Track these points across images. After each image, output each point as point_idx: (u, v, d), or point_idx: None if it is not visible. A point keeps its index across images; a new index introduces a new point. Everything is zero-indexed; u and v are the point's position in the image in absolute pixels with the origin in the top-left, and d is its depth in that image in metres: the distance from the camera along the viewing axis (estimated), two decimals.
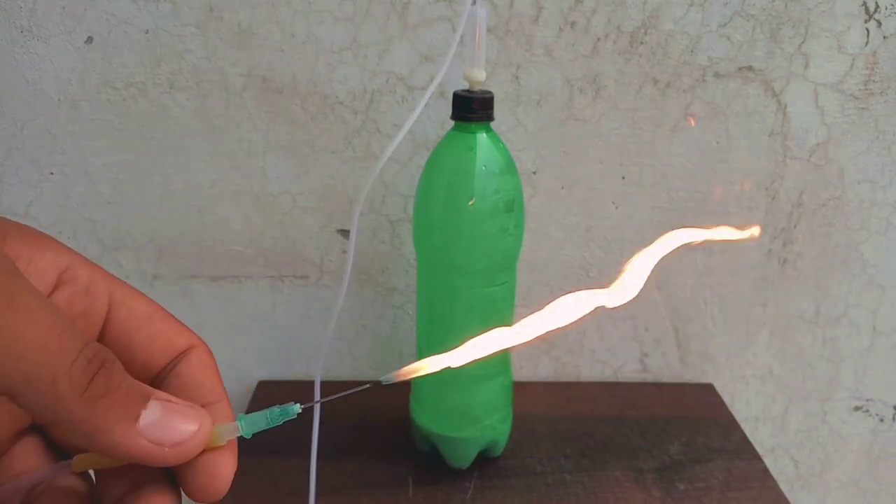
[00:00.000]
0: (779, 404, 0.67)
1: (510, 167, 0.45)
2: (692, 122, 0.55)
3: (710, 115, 0.57)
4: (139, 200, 0.57)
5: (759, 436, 0.68)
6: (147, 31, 0.52)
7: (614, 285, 0.26)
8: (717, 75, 0.55)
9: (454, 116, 0.45)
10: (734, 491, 0.51)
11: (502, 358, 0.50)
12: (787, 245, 0.61)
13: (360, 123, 0.56)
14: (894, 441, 0.69)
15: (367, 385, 0.25)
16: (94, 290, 0.23)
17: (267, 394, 0.61)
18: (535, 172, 0.57)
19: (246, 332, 0.62)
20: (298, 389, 0.61)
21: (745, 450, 0.56)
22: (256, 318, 0.61)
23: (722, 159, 0.58)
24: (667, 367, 0.65)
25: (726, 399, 0.63)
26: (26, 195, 0.56)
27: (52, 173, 0.56)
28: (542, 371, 0.64)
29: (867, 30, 0.55)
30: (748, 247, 0.61)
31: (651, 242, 0.62)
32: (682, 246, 0.27)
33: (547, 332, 0.25)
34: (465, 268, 0.45)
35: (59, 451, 0.24)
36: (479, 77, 0.44)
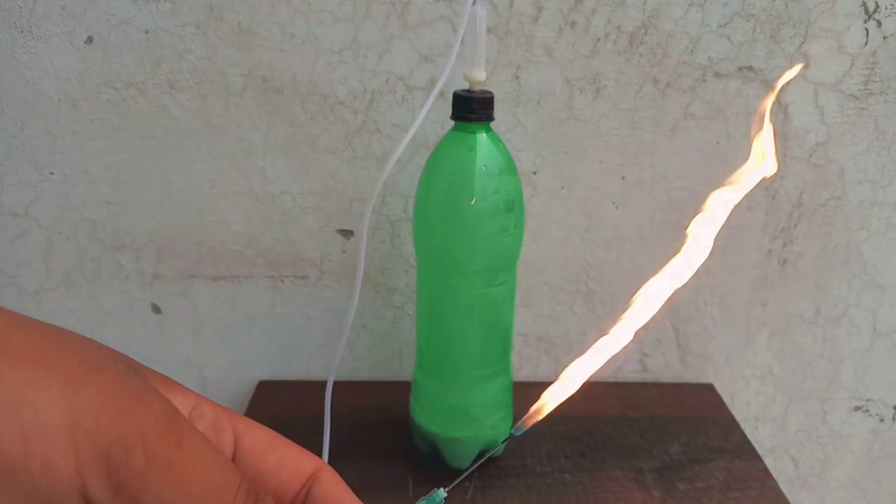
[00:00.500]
0: (779, 404, 0.67)
1: (510, 167, 0.45)
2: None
3: (710, 115, 0.57)
4: (139, 200, 0.57)
5: (759, 436, 0.68)
6: (147, 31, 0.52)
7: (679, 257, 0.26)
8: (717, 75, 0.55)
9: (454, 116, 0.45)
10: (734, 491, 0.51)
11: (502, 358, 0.50)
12: (787, 245, 0.61)
13: (360, 123, 0.56)
14: (894, 441, 0.69)
15: (505, 440, 0.25)
16: (220, 424, 0.24)
17: (267, 394, 0.60)
18: (535, 172, 0.57)
19: (246, 332, 0.62)
20: (299, 389, 0.61)
21: (745, 450, 0.56)
22: (256, 318, 0.61)
23: (722, 159, 0.58)
24: (667, 367, 0.65)
25: (726, 399, 0.64)
26: (26, 195, 0.56)
27: (52, 173, 0.56)
28: (542, 371, 0.64)
29: (867, 30, 0.55)
30: (748, 247, 0.61)
31: (650, 242, 0.62)
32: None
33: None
34: (465, 268, 0.45)
35: None
36: (479, 77, 0.44)
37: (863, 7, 0.54)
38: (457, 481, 0.26)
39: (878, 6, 0.54)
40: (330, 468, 0.25)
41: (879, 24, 0.55)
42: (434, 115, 0.55)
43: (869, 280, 0.63)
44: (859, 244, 0.62)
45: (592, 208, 0.59)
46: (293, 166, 0.57)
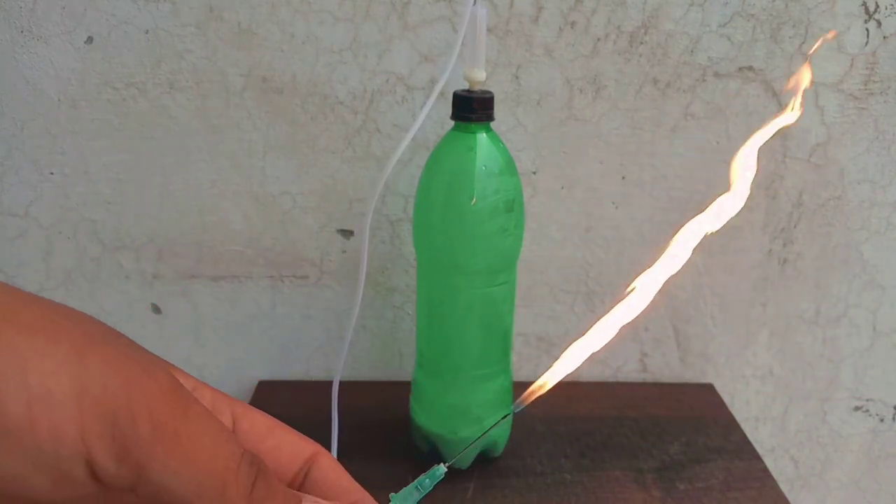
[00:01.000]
0: (779, 404, 0.67)
1: (510, 167, 0.45)
2: None
3: (710, 115, 0.57)
4: (139, 200, 0.57)
5: (759, 436, 0.68)
6: (147, 31, 0.52)
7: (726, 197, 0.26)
8: (717, 75, 0.55)
9: (454, 116, 0.45)
10: (734, 491, 0.51)
11: (502, 358, 0.50)
12: (787, 245, 0.61)
13: (360, 123, 0.56)
14: (894, 441, 0.69)
15: (503, 418, 0.25)
16: (219, 406, 0.24)
17: (267, 394, 0.60)
18: (535, 172, 0.57)
19: (246, 332, 0.62)
20: (299, 389, 0.61)
21: (745, 450, 0.56)
22: (256, 318, 0.61)
23: (722, 159, 0.58)
24: (667, 367, 0.65)
25: (726, 399, 0.63)
26: (26, 195, 0.56)
27: (52, 173, 0.56)
28: (542, 371, 0.64)
29: (867, 30, 0.55)
30: (748, 247, 0.61)
31: (650, 242, 0.62)
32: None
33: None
34: (465, 268, 0.45)
35: None
36: (479, 77, 0.44)
37: (863, 7, 0.54)
38: (459, 454, 0.26)
39: (878, 6, 0.54)
40: (327, 452, 0.25)
41: (879, 24, 0.55)
42: (434, 115, 0.55)
43: (869, 280, 0.63)
44: (859, 244, 0.62)
45: (592, 208, 0.59)
46: (293, 166, 0.57)
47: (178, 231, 0.58)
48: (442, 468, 0.24)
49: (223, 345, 0.62)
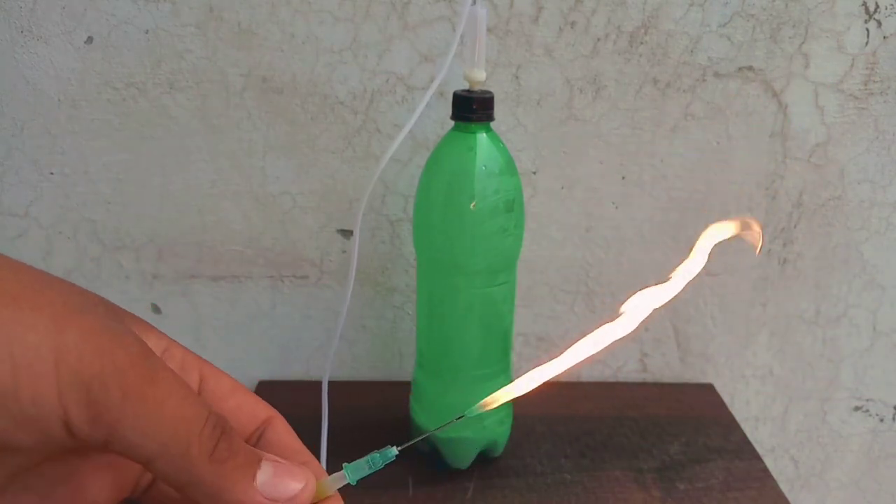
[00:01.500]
0: (779, 404, 0.67)
1: (510, 167, 0.45)
2: None
3: (710, 115, 0.57)
4: (139, 200, 0.57)
5: (759, 436, 0.68)
6: (147, 31, 0.52)
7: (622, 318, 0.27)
8: (717, 75, 0.55)
9: (454, 116, 0.45)
10: (734, 491, 0.51)
11: (502, 358, 0.50)
12: (787, 245, 0.61)
13: (360, 123, 0.56)
14: (894, 441, 0.69)
15: (457, 419, 0.28)
16: (188, 366, 0.26)
17: (267, 394, 0.60)
18: (535, 172, 0.57)
19: (246, 332, 0.62)
20: (299, 389, 0.61)
21: (745, 450, 0.56)
22: (256, 318, 0.61)
23: (722, 159, 0.58)
24: (667, 367, 0.65)
25: (726, 399, 0.63)
26: (26, 195, 0.56)
27: (52, 173, 0.56)
28: None
29: (867, 30, 0.55)
30: (748, 247, 0.61)
31: (650, 242, 0.62)
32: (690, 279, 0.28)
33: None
34: (465, 268, 0.45)
35: None
36: (479, 77, 0.44)
37: (863, 7, 0.54)
38: (415, 440, 0.27)
39: (878, 6, 0.54)
40: (282, 417, 0.27)
41: (879, 24, 0.55)
42: (434, 115, 0.55)
43: (869, 280, 0.63)
44: (859, 244, 0.62)
45: (592, 208, 0.59)
46: (293, 166, 0.57)
47: (178, 231, 0.58)
48: (394, 450, 0.26)
49: (223, 345, 0.62)
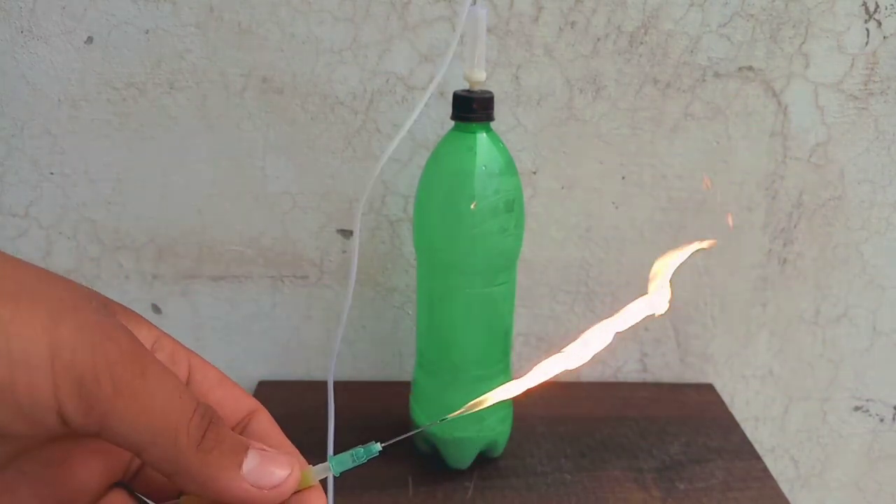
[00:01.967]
0: (779, 404, 0.67)
1: (510, 167, 0.45)
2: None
3: (710, 115, 0.57)
4: (139, 200, 0.57)
5: (759, 436, 0.68)
6: (147, 31, 0.52)
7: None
8: (717, 75, 0.55)
9: (454, 116, 0.45)
10: (734, 491, 0.51)
11: (502, 358, 0.50)
12: (787, 245, 0.61)
13: (360, 123, 0.56)
14: (894, 441, 0.69)
15: (438, 422, 0.27)
16: (178, 357, 0.27)
17: (267, 394, 0.60)
18: (535, 172, 0.57)
19: (246, 332, 0.62)
20: (299, 389, 0.61)
21: (745, 450, 0.56)
22: (256, 318, 0.61)
23: (722, 159, 0.58)
24: (667, 367, 0.65)
25: (726, 399, 0.64)
26: (26, 195, 0.56)
27: (52, 173, 0.56)
28: None
29: (867, 30, 0.55)
30: (748, 247, 0.61)
31: (650, 242, 0.62)
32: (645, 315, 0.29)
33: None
34: (465, 268, 0.45)
35: (142, 501, 0.27)
36: (479, 77, 0.44)
37: (863, 7, 0.54)
38: (398, 438, 0.28)
39: (878, 6, 0.54)
40: (266, 410, 0.28)
41: (879, 24, 0.55)
42: (434, 115, 0.55)
43: (869, 280, 0.63)
44: (859, 244, 0.62)
45: (592, 208, 0.59)
46: (293, 166, 0.57)
47: (178, 231, 0.58)
48: (377, 446, 0.27)
49: (223, 345, 0.62)
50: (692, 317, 0.63)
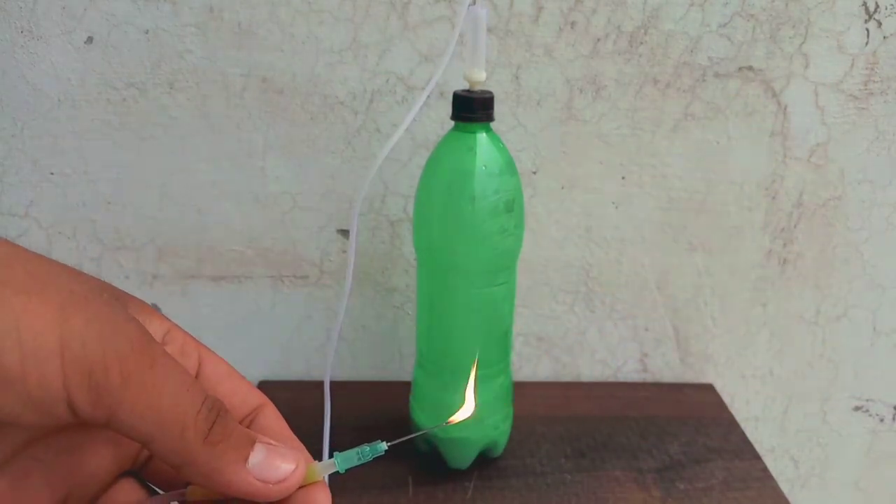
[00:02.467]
0: (779, 404, 0.67)
1: (510, 167, 0.45)
2: None
3: (710, 115, 0.57)
4: (139, 200, 0.57)
5: (759, 436, 0.68)
6: (147, 31, 0.52)
7: None
8: (717, 75, 0.55)
9: (454, 116, 0.45)
10: (734, 491, 0.51)
11: (502, 358, 0.50)
12: (787, 245, 0.61)
13: (360, 123, 0.56)
14: (894, 441, 0.69)
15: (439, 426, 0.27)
16: (188, 349, 0.27)
17: (267, 394, 0.60)
18: (535, 172, 0.57)
19: (246, 332, 0.62)
20: (300, 389, 0.61)
21: (745, 450, 0.56)
22: (256, 318, 0.61)
23: (722, 159, 0.58)
24: (667, 367, 0.65)
25: (726, 399, 0.64)
26: (26, 195, 0.56)
27: (52, 173, 0.56)
28: (542, 371, 0.64)
29: (867, 30, 0.55)
30: (748, 247, 0.61)
31: (650, 242, 0.62)
32: None
33: None
34: (465, 268, 0.45)
35: (151, 489, 0.28)
36: (479, 77, 0.44)
37: (863, 7, 0.54)
38: (405, 438, 0.28)
39: (878, 6, 0.54)
40: (273, 405, 0.29)
41: (879, 24, 0.55)
42: (434, 115, 0.55)
43: (869, 280, 0.63)
44: (859, 244, 0.62)
45: (592, 208, 0.59)
46: (293, 166, 0.57)
47: (178, 231, 0.58)
48: (383, 445, 0.27)
49: (223, 345, 0.62)
50: (692, 317, 0.63)
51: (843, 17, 0.54)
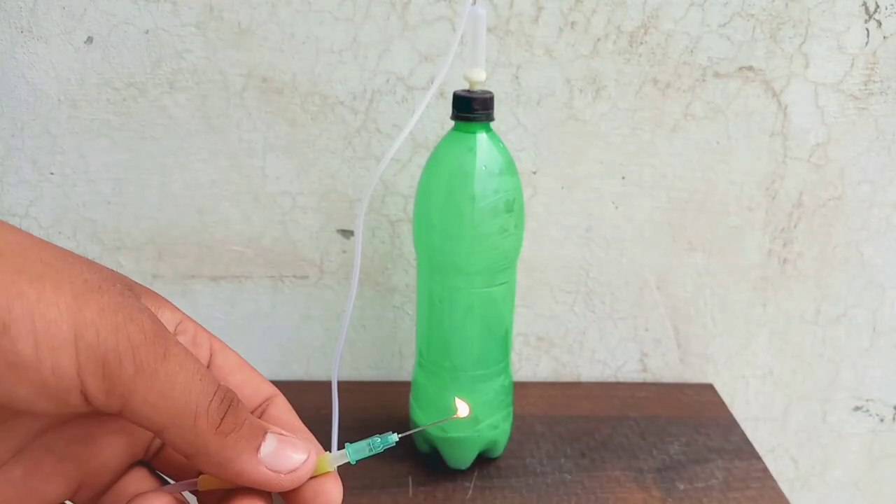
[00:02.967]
0: (779, 404, 0.67)
1: (510, 167, 0.45)
2: None
3: (710, 115, 0.57)
4: (139, 200, 0.57)
5: (759, 436, 0.68)
6: (147, 31, 0.52)
7: None
8: (717, 75, 0.55)
9: (454, 116, 0.45)
10: (734, 491, 0.51)
11: (502, 358, 0.50)
12: (787, 245, 0.61)
13: (360, 123, 0.56)
14: (894, 441, 0.69)
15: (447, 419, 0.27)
16: (200, 340, 0.28)
17: None
18: (535, 172, 0.57)
19: (246, 332, 0.62)
20: (299, 389, 0.61)
21: (745, 450, 0.56)
22: (256, 318, 0.61)
23: (722, 159, 0.58)
24: (667, 367, 0.65)
25: (726, 399, 0.64)
26: (26, 195, 0.56)
27: (52, 173, 0.56)
28: (542, 371, 0.64)
29: (867, 30, 0.55)
30: (748, 247, 0.61)
31: (650, 242, 0.62)
32: None
33: None
34: (465, 268, 0.45)
35: (162, 479, 0.28)
36: (479, 77, 0.44)
37: (863, 7, 0.54)
38: (416, 430, 0.28)
39: (878, 6, 0.54)
40: (283, 396, 0.29)
41: (879, 24, 0.55)
42: (434, 115, 0.55)
43: (869, 280, 0.63)
44: (859, 244, 0.62)
45: (592, 208, 0.59)
46: (293, 166, 0.57)
47: (178, 231, 0.58)
48: (395, 436, 0.27)
49: None
50: (692, 317, 0.63)
51: (843, 17, 0.54)
